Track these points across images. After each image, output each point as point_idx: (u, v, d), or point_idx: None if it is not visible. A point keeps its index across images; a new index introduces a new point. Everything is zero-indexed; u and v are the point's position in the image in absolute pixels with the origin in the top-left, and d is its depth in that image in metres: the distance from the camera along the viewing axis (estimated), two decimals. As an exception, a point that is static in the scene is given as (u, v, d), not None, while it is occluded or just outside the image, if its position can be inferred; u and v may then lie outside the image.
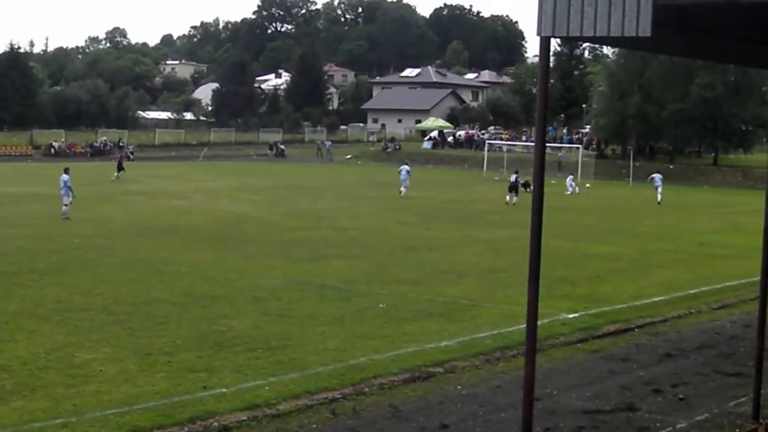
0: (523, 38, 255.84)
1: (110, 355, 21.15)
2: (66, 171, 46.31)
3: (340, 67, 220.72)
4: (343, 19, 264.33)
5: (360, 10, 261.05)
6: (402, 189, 63.33)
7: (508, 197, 58.61)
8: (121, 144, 78.27)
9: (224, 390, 18.96)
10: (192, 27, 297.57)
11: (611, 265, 36.21)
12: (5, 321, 24.17)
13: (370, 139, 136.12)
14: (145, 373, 19.98)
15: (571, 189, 70.35)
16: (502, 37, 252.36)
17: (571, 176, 74.08)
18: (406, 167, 65.70)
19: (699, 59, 51.52)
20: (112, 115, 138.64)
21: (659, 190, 64.92)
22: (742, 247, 40.54)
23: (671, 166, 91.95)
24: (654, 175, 67.69)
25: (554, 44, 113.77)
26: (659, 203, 63.15)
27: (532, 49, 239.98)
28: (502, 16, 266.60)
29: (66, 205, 45.01)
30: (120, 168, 69.24)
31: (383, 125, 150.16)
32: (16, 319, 24.42)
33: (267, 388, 19.21)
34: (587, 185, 75.02)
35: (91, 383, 19.11)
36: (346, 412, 18.23)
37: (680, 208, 59.87)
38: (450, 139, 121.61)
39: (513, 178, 60.41)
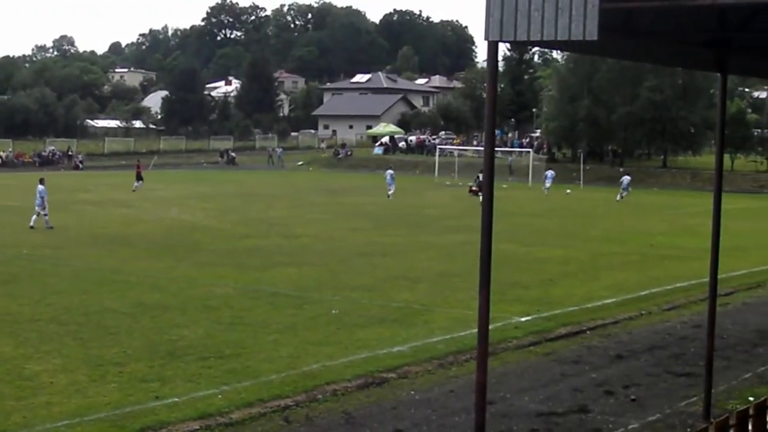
0: (473, 43, 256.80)
1: (61, 366, 20.94)
2: (41, 182, 46.19)
3: (291, 73, 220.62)
4: (292, 26, 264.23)
5: (309, 16, 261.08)
6: (390, 193, 65.30)
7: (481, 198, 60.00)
8: (138, 162, 76.79)
9: (176, 399, 18.84)
10: (140, 34, 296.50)
11: (563, 268, 36.38)
12: (-47, 333, 23.92)
13: (321, 145, 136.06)
14: (96, 383, 19.81)
15: (548, 187, 71.29)
16: (452, 42, 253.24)
17: (552, 173, 75.01)
18: (390, 172, 67.67)
19: (646, 62, 51.73)
20: (61, 124, 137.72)
21: (625, 191, 66.45)
22: (691, 249, 40.86)
23: (621, 169, 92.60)
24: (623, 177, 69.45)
25: (504, 49, 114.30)
26: (617, 201, 64.59)
27: (482, 53, 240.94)
28: (452, 21, 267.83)
29: (45, 215, 45.11)
30: (139, 178, 69.42)
31: (334, 131, 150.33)
32: (-36, 331, 24.17)
33: (220, 396, 19.12)
34: (567, 191, 74.94)
35: (42, 395, 18.91)
36: (299, 419, 18.17)
37: (630, 211, 60.30)
38: (401, 144, 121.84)
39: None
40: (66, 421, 17.46)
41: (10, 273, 32.89)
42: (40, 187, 45.68)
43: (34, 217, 45.14)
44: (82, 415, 17.78)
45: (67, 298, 28.51)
